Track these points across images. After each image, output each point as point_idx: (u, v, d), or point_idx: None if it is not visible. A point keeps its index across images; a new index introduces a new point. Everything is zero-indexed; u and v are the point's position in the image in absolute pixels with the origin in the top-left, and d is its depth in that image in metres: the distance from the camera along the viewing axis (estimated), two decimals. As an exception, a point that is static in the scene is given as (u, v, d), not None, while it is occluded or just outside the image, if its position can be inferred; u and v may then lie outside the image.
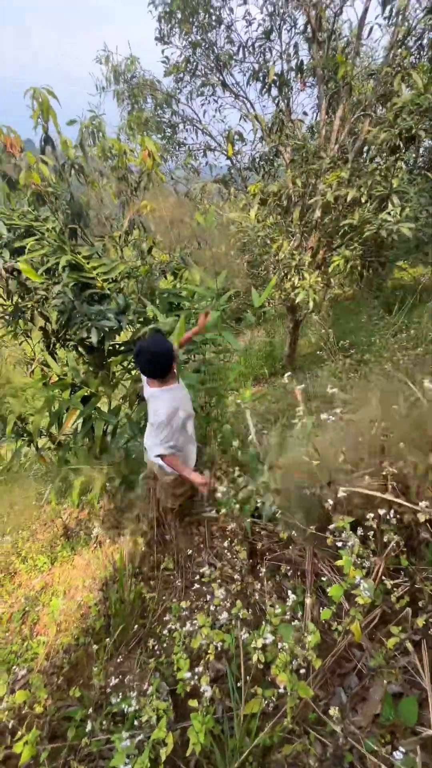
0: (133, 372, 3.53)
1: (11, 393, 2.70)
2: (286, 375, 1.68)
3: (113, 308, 2.75)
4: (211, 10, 5.04)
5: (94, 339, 2.53)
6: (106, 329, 2.63)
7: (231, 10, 5.07)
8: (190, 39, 5.16)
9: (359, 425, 1.58)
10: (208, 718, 1.14)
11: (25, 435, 2.97)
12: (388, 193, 4.04)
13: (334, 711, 0.98)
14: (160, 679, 1.48)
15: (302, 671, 1.12)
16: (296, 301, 4.44)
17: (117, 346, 3.25)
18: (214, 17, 5.09)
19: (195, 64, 5.32)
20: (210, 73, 5.51)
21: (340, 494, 1.19)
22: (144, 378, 2.06)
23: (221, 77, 5.53)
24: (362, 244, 4.74)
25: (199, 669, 1.25)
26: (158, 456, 1.95)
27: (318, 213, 4.87)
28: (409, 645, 1.10)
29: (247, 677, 1.22)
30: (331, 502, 1.19)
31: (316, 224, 4.98)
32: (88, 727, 1.24)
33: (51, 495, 3.47)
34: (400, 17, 4.30)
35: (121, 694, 1.42)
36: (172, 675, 1.45)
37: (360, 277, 7.11)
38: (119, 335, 3.09)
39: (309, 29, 4.75)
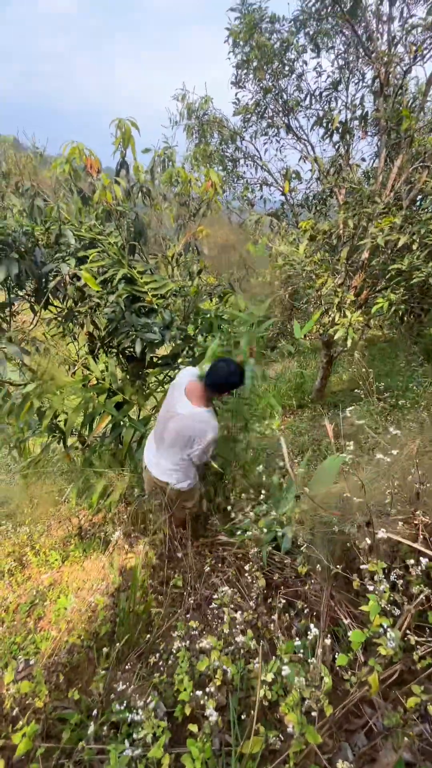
0: (165, 385, 3.63)
1: (52, 390, 2.84)
2: (325, 418, 1.68)
3: (159, 322, 2.87)
4: (285, 61, 5.41)
5: (137, 349, 2.65)
6: (150, 341, 2.75)
7: (304, 62, 5.41)
8: (262, 85, 5.53)
9: (394, 469, 1.55)
10: (207, 746, 1.11)
11: (56, 432, 3.09)
12: (441, 243, 4.05)
13: (343, 766, 0.93)
14: (159, 698, 1.46)
15: (313, 714, 1.08)
16: (334, 337, 4.45)
17: (156, 359, 3.37)
18: (287, 67, 5.44)
19: (264, 107, 5.67)
20: (276, 116, 5.84)
21: (380, 535, 1.16)
22: (180, 392, 2.06)
23: (286, 120, 5.84)
24: (408, 289, 4.73)
25: (205, 692, 1.23)
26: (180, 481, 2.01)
27: (366, 254, 4.93)
28: (430, 708, 1.04)
29: (252, 712, 1.18)
30: (368, 541, 1.16)
31: (363, 265, 5.03)
32: (87, 731, 1.23)
33: (72, 494, 3.56)
34: (469, 79, 4.43)
35: (118, 705, 1.40)
36: (173, 695, 1.42)
37: (401, 321, 7.04)
38: (160, 349, 3.22)
39: (377, 83, 4.97)
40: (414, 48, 4.60)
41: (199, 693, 1.23)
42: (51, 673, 1.64)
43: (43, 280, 2.75)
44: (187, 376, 2.10)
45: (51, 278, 2.68)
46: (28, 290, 2.92)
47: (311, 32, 5.09)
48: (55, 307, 3.17)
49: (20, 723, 1.21)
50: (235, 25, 5.13)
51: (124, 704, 1.36)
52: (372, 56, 4.83)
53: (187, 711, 1.29)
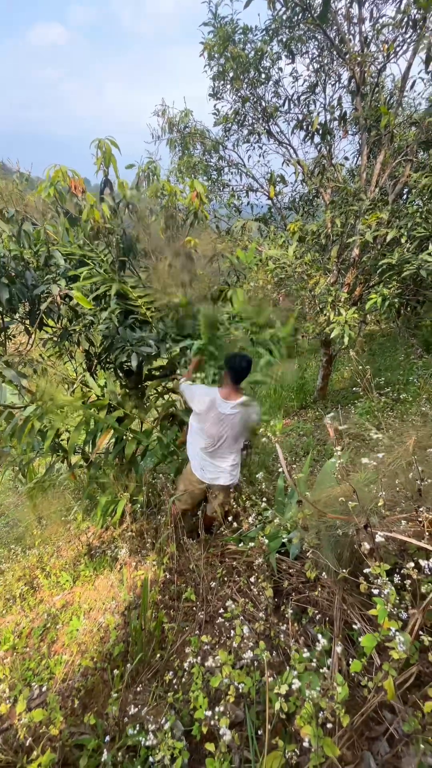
0: (165, 396, 3.63)
1: (53, 410, 2.85)
2: (326, 416, 1.67)
3: (153, 335, 2.89)
4: (261, 69, 5.49)
5: (133, 363, 2.66)
6: (146, 355, 2.75)
7: (280, 68, 5.49)
8: (240, 94, 5.61)
9: (395, 467, 1.53)
10: (225, 765, 1.08)
11: (60, 451, 3.09)
12: (429, 234, 4.06)
13: (362, 776, 0.91)
14: (176, 717, 1.43)
15: (329, 726, 1.05)
16: (331, 336, 4.44)
17: (153, 371, 3.38)
18: (263, 75, 5.52)
19: (243, 115, 5.75)
20: (256, 123, 5.92)
21: (378, 539, 1.14)
22: (218, 399, 2.24)
23: (267, 126, 5.91)
24: (401, 282, 4.73)
25: (219, 710, 1.20)
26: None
27: (356, 251, 4.95)
28: (448, 712, 1.01)
29: (268, 726, 1.16)
30: (367, 546, 1.14)
31: (354, 262, 5.05)
32: (102, 757, 1.21)
33: (78, 512, 3.54)
34: (443, 72, 4.47)
35: (135, 727, 1.38)
36: (189, 714, 1.40)
37: (397, 315, 7.03)
38: (156, 361, 3.22)
39: (353, 83, 5.03)
40: (386, 46, 4.66)
41: (212, 712, 1.21)
42: (65, 699, 1.62)
43: (36, 302, 2.77)
44: (209, 393, 2.30)
45: (43, 299, 2.71)
46: (22, 313, 2.95)
47: (284, 39, 5.17)
48: (50, 327, 3.19)
49: (35, 753, 1.19)
50: (209, 38, 5.22)
51: (140, 727, 1.34)
52: (346, 57, 4.90)
53: (204, 729, 1.26)
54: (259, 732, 1.23)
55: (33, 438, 2.90)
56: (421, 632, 1.14)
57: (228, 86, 5.54)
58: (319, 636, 1.24)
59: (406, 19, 4.41)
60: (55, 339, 3.16)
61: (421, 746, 0.97)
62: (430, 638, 1.12)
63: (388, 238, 4.13)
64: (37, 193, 2.85)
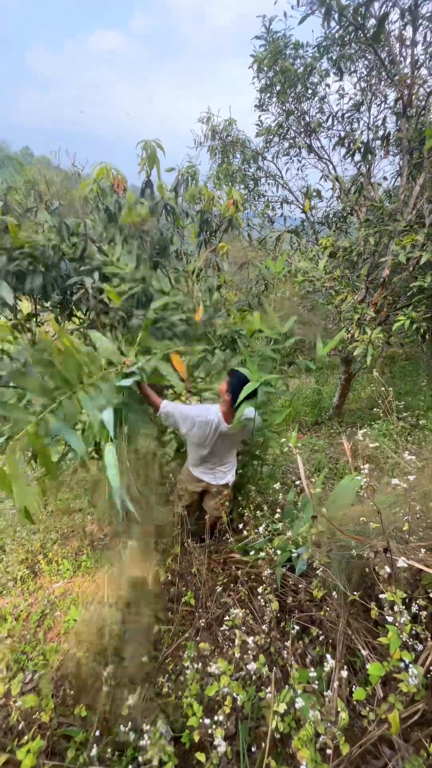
0: (182, 397, 3.64)
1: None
2: (343, 434, 1.64)
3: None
4: (308, 84, 5.54)
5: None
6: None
7: (327, 85, 5.52)
8: (285, 107, 5.66)
9: (415, 493, 1.49)
10: (215, 778, 1.06)
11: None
12: (464, 261, 3.98)
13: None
14: (165, 722, 1.41)
15: (327, 752, 1.02)
16: (354, 354, 4.39)
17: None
18: (310, 90, 5.57)
19: (286, 128, 5.80)
20: (298, 137, 5.95)
21: (400, 564, 1.10)
22: (222, 421, 2.12)
23: (308, 141, 5.94)
24: (430, 307, 4.65)
25: (217, 719, 1.18)
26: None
27: (386, 271, 4.89)
28: (455, 756, 0.96)
29: (263, 743, 1.13)
30: (388, 570, 1.10)
31: (384, 282, 4.99)
32: (92, 752, 1.20)
33: (84, 503, 3.57)
34: None
35: (124, 726, 1.37)
36: (179, 720, 1.38)
37: (422, 339, 6.89)
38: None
39: (399, 105, 5.02)
40: (437, 70, 4.63)
41: (207, 721, 1.19)
42: (58, 687, 1.62)
43: (68, 292, 2.84)
44: (210, 414, 2.15)
45: (75, 290, 2.76)
46: (54, 301, 3.02)
47: (334, 57, 5.21)
48: (79, 318, 3.25)
49: (25, 738, 1.19)
50: (260, 52, 5.31)
51: (130, 725, 1.32)
52: (395, 79, 4.90)
53: (196, 737, 1.24)
54: (252, 748, 1.20)
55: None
56: (431, 668, 1.10)
57: (274, 99, 5.61)
58: (328, 656, 1.21)
59: (460, 44, 4.38)
60: (82, 330, 3.22)
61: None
62: (440, 675, 1.07)
63: (422, 260, 4.07)
64: (81, 188, 2.93)
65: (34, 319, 2.91)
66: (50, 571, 2.76)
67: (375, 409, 4.18)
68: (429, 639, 1.10)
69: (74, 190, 3.03)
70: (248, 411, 2.10)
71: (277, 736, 1.17)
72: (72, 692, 1.56)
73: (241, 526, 2.08)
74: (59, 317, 2.97)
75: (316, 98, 5.63)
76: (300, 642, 1.46)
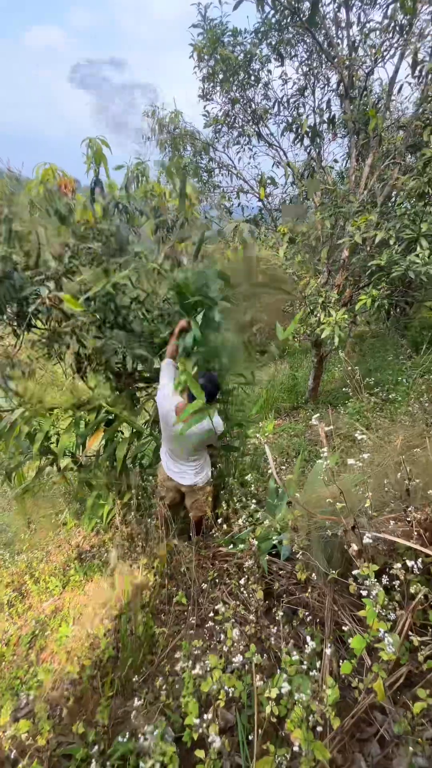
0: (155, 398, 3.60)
1: (42, 413, 2.81)
2: (314, 416, 1.66)
3: (147, 336, 2.87)
4: (250, 71, 5.51)
5: (129, 365, 2.64)
6: (139, 356, 2.73)
7: (269, 71, 5.51)
8: (229, 96, 5.62)
9: (383, 467, 1.54)
10: (215, 772, 1.07)
11: (49, 454, 3.04)
12: (417, 236, 4.11)
13: (353, 779, 0.90)
14: (166, 724, 1.41)
15: (319, 729, 1.05)
16: (321, 337, 4.47)
17: (144, 373, 3.35)
18: (252, 77, 5.55)
19: (233, 117, 5.76)
20: (246, 125, 5.93)
21: (366, 540, 1.14)
22: (173, 415, 2.16)
23: (257, 129, 5.93)
24: (390, 284, 4.78)
25: (208, 716, 1.19)
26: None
27: (346, 253, 4.99)
28: (438, 712, 1.01)
29: (259, 731, 1.15)
30: (355, 547, 1.14)
31: (344, 264, 5.09)
32: (91, 766, 1.19)
33: (67, 517, 3.50)
34: (430, 77, 4.54)
35: (125, 735, 1.36)
36: (180, 719, 1.38)
37: (387, 316, 7.10)
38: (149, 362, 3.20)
39: (341, 87, 5.08)
40: (374, 51, 4.72)
41: (202, 717, 1.19)
42: (54, 707, 1.59)
43: (24, 303, 2.74)
44: (168, 403, 2.21)
45: (32, 301, 2.67)
46: (10, 314, 2.90)
47: (273, 42, 5.20)
48: (39, 329, 3.15)
49: (20, 765, 1.16)
50: (199, 40, 5.23)
51: (130, 735, 1.32)
52: (334, 61, 4.95)
53: (195, 736, 1.24)
54: (251, 737, 1.22)
55: (21, 441, 2.86)
56: (410, 632, 1.15)
57: (218, 88, 5.56)
58: (308, 638, 1.24)
59: (393, 24, 4.46)
60: (43, 340, 3.12)
61: (410, 748, 0.97)
62: (419, 638, 1.12)
63: (377, 239, 4.17)
64: (25, 192, 2.81)
65: (-9, 334, 2.79)
66: (38, 590, 2.69)
67: (345, 389, 4.29)
68: (400, 608, 1.15)
69: (17, 195, 2.91)
70: (205, 423, 2.07)
71: (274, 720, 1.20)
72: (69, 710, 1.54)
73: (221, 520, 2.09)
74: (17, 330, 2.86)
75: (260, 85, 5.61)
76: (289, 625, 1.49)
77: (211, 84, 5.51)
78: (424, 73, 4.61)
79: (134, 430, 3.03)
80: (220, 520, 2.14)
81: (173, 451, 2.35)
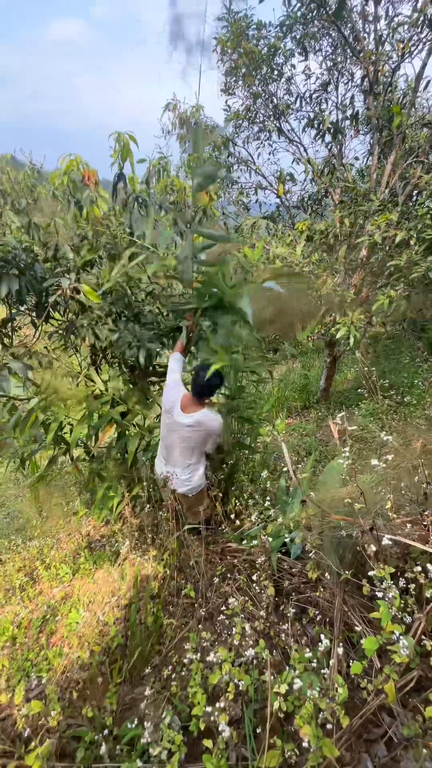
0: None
1: (57, 403, 2.85)
2: (338, 416, 1.66)
3: (162, 331, 2.89)
4: (274, 65, 5.45)
5: (141, 359, 2.66)
6: (153, 351, 2.75)
7: (293, 65, 5.44)
8: (251, 90, 5.57)
9: (400, 469, 1.52)
10: (222, 762, 1.09)
11: (62, 444, 3.09)
12: (439, 237, 4.03)
13: (361, 778, 0.91)
14: (173, 713, 1.43)
15: (328, 726, 1.05)
16: (336, 337, 4.43)
17: (157, 367, 3.37)
18: (275, 71, 5.48)
19: (254, 112, 5.71)
20: (267, 120, 5.88)
21: (385, 542, 1.14)
22: (176, 407, 2.18)
23: (278, 124, 5.87)
24: (409, 285, 4.70)
25: (218, 706, 1.20)
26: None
27: (364, 252, 4.92)
28: (450, 717, 1.01)
29: (266, 725, 1.16)
30: (373, 548, 1.13)
31: (362, 263, 5.02)
32: (101, 750, 1.21)
33: (78, 506, 3.55)
34: (459, 73, 4.43)
35: (133, 721, 1.38)
36: (187, 708, 1.40)
37: (403, 318, 6.99)
38: (160, 357, 3.22)
39: (366, 82, 4.99)
40: (401, 45, 4.61)
41: (211, 708, 1.21)
42: (64, 690, 1.63)
43: (44, 294, 2.77)
44: (174, 393, 2.24)
45: (51, 292, 2.70)
46: (29, 305, 2.95)
47: (298, 36, 5.13)
48: (56, 320, 3.19)
49: (33, 743, 1.20)
50: (223, 33, 5.19)
51: (138, 722, 1.34)
52: (360, 56, 4.86)
53: (202, 726, 1.26)
54: (257, 730, 1.23)
55: (36, 430, 2.91)
56: (423, 637, 1.14)
57: (240, 82, 5.51)
58: (322, 636, 1.24)
59: (422, 17, 4.35)
60: (60, 332, 3.16)
61: (424, 750, 0.97)
62: (431, 643, 1.11)
63: (397, 239, 4.11)
64: (50, 182, 2.84)
65: (9, 324, 2.84)
66: (49, 576, 2.75)
67: (360, 390, 4.24)
68: (416, 611, 1.14)
69: (39, 187, 2.94)
70: (205, 419, 2.10)
71: (281, 715, 1.21)
72: (78, 694, 1.57)
73: (234, 516, 2.10)
74: (35, 321, 2.91)
75: (283, 79, 5.55)
76: (299, 623, 1.49)
77: (234, 78, 5.46)
78: (452, 69, 4.49)
79: (146, 424, 3.06)
80: (233, 516, 2.15)
81: (168, 448, 2.31)
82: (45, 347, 3.43)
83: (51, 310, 2.89)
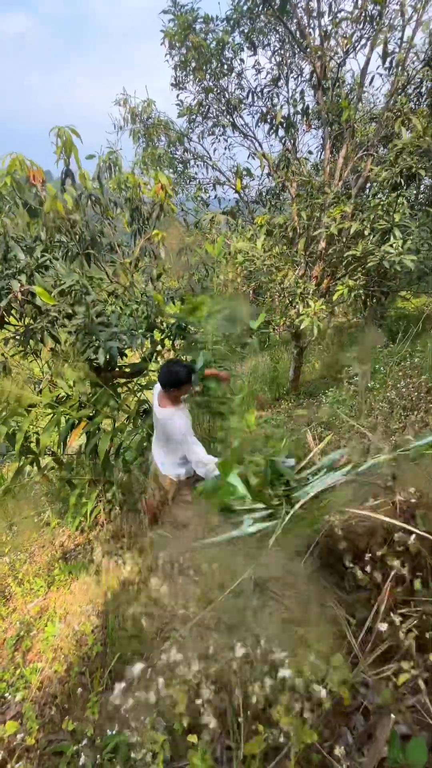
0: (137, 394, 3.57)
1: (20, 411, 2.73)
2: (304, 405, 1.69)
3: (124, 329, 2.83)
4: (223, 60, 5.44)
5: (101, 359, 2.60)
6: (115, 350, 2.70)
7: (242, 60, 5.46)
8: (203, 85, 5.54)
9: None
10: (207, 756, 1.09)
11: (29, 454, 2.97)
12: (391, 227, 4.20)
13: (339, 750, 0.94)
14: (156, 714, 1.42)
15: (306, 715, 1.08)
16: (301, 328, 4.52)
17: (123, 368, 3.31)
18: (225, 66, 5.48)
19: (207, 107, 5.69)
20: (221, 115, 5.88)
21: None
22: (155, 399, 2.31)
23: (231, 119, 5.88)
24: (365, 274, 4.87)
25: (199, 701, 1.20)
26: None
27: (322, 244, 5.04)
28: (421, 683, 1.06)
29: (248, 713, 1.17)
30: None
31: (321, 255, 5.14)
32: (81, 760, 1.18)
33: (51, 516, 3.43)
34: (400, 68, 4.61)
35: (115, 728, 1.36)
36: (171, 708, 1.39)
37: (363, 306, 7.25)
38: (126, 357, 3.16)
39: (314, 77, 5.09)
40: (345, 41, 4.74)
41: (195, 702, 1.21)
42: (42, 707, 1.57)
43: (-5, 299, 2.64)
44: (157, 385, 2.35)
45: (3, 296, 2.58)
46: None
47: (245, 30, 5.15)
48: (12, 325, 3.05)
49: (8, 766, 1.15)
50: (170, 27, 5.12)
51: (120, 727, 1.32)
52: (306, 51, 4.94)
53: (185, 723, 1.26)
54: (239, 719, 1.24)
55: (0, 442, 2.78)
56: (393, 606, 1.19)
57: (190, 77, 5.47)
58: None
59: (363, 14, 4.49)
60: (17, 337, 3.03)
61: (392, 716, 1.01)
62: (399, 612, 1.16)
63: (352, 230, 4.24)
64: (-8, 183, 2.70)
65: (-39, 332, 2.69)
66: (22, 591, 2.64)
67: (324, 379, 4.36)
68: (383, 581, 1.19)
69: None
70: (175, 419, 2.20)
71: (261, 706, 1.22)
72: (57, 708, 1.53)
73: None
74: (-11, 326, 2.77)
75: (233, 74, 5.56)
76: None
77: (184, 72, 5.42)
78: (394, 65, 4.67)
79: (116, 425, 3.00)
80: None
81: (155, 434, 2.49)
82: (2, 354, 3.28)
83: (5, 314, 2.76)
